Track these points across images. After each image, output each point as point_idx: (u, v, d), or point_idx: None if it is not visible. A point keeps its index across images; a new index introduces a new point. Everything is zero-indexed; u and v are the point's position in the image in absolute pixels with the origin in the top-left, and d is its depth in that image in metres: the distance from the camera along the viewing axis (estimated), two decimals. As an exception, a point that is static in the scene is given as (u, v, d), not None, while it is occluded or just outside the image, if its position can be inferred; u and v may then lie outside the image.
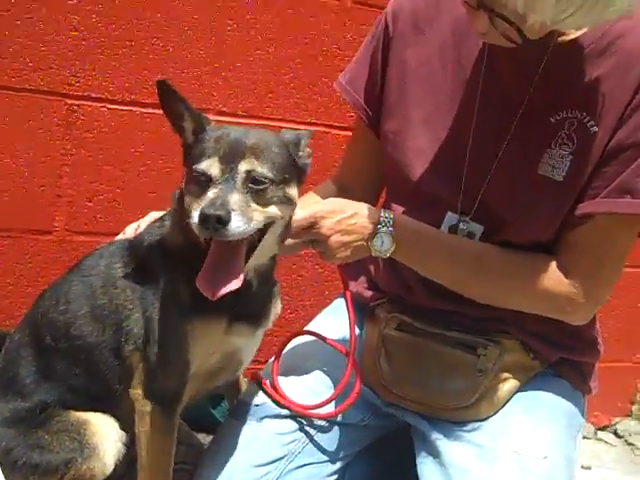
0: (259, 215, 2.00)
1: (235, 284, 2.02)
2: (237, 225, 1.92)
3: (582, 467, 2.49)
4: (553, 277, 2.29)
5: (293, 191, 2.12)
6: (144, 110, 3.32)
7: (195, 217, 1.93)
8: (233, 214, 1.91)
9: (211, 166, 2.00)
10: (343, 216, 2.21)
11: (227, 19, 3.41)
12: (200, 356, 2.21)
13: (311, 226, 2.20)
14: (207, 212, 1.90)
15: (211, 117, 3.29)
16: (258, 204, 2.01)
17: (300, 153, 2.20)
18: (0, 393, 2.35)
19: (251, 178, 2.01)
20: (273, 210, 2.05)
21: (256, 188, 2.01)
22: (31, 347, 2.35)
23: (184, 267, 2.17)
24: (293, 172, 2.14)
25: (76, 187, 3.30)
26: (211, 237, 2.00)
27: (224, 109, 3.44)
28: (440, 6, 2.44)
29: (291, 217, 2.17)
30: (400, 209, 2.47)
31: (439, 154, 2.40)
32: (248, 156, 2.02)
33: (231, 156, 2.01)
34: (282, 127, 3.17)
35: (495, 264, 2.33)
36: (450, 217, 2.39)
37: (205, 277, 2.03)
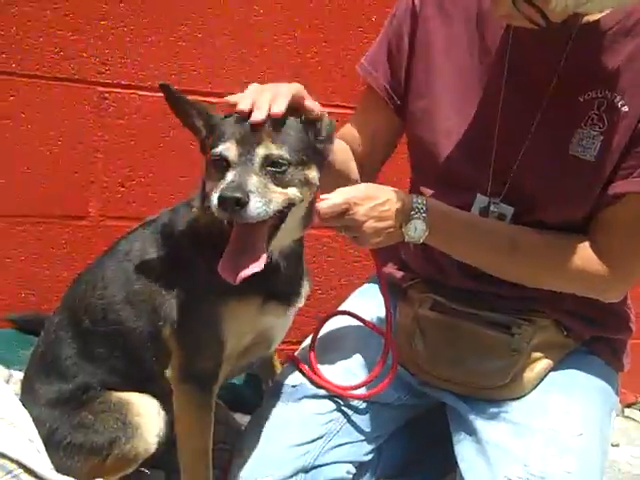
0: (279, 197, 2.00)
1: (256, 267, 2.02)
2: (256, 207, 1.92)
3: (611, 445, 2.53)
4: (587, 257, 2.31)
5: (313, 173, 2.11)
6: (174, 96, 3.34)
7: (214, 200, 1.93)
8: (252, 196, 1.91)
9: (228, 149, 2.00)
10: (377, 202, 2.21)
11: (254, 5, 3.43)
12: (235, 336, 2.24)
13: (344, 212, 2.20)
14: (225, 194, 1.90)
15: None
16: (277, 186, 2.00)
17: (320, 137, 2.18)
18: (43, 375, 2.40)
19: (269, 161, 2.00)
20: (293, 192, 2.04)
21: (274, 170, 2.00)
22: (71, 330, 2.39)
23: (214, 250, 2.17)
24: (312, 154, 2.12)
25: (109, 173, 3.35)
26: (231, 220, 2.02)
27: (252, 93, 3.47)
28: None
29: (313, 200, 2.19)
30: (429, 191, 2.48)
31: (468, 136, 2.41)
32: (265, 138, 2.01)
33: (248, 139, 2.01)
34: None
35: (529, 246, 2.35)
36: (480, 199, 2.41)
37: (226, 261, 2.04)
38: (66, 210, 3.33)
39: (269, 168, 2.00)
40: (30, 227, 3.29)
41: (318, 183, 2.15)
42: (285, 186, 2.02)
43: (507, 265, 2.37)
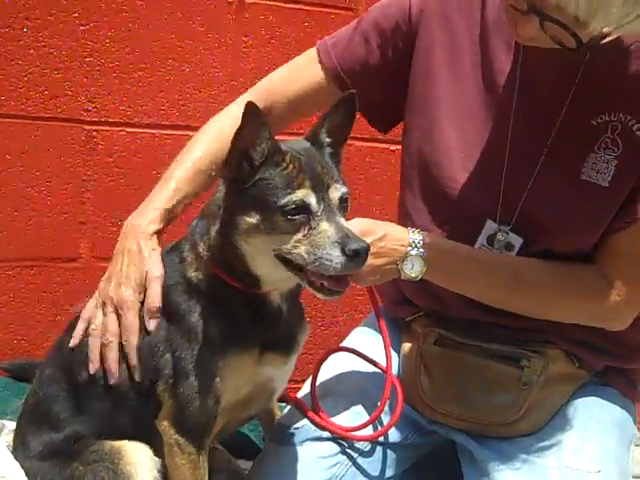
0: None
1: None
2: None
3: (633, 477, 2.45)
4: (595, 288, 2.26)
5: None
6: (164, 132, 3.31)
7: (337, 255, 1.90)
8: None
9: (308, 196, 1.96)
10: (374, 238, 2.15)
11: (242, 36, 3.41)
12: (231, 390, 2.18)
13: None
14: (359, 247, 1.90)
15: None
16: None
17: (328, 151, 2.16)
18: (34, 427, 2.33)
19: (342, 201, 2.02)
20: None
21: (344, 207, 2.04)
22: (62, 382, 2.31)
23: (211, 303, 2.15)
24: None
25: (99, 213, 3.30)
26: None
27: (244, 126, 3.42)
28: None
29: None
30: (433, 220, 2.40)
31: (474, 159, 2.34)
32: (329, 181, 2.01)
33: (318, 184, 1.98)
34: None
35: (534, 279, 2.29)
36: (490, 226, 2.32)
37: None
38: (56, 252, 3.27)
39: (341, 206, 2.03)
40: (20, 271, 3.23)
41: None
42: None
43: (510, 298, 2.30)
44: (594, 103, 2.21)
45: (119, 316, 2.21)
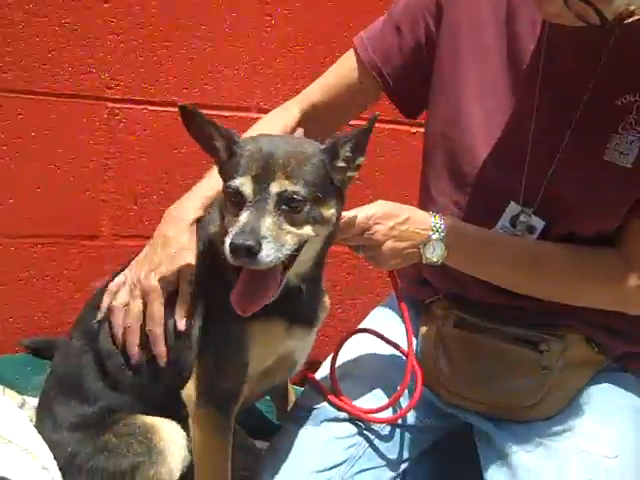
0: (292, 238, 1.94)
1: (266, 302, 2.01)
2: (268, 254, 1.87)
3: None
4: (616, 271, 2.24)
5: (330, 210, 2.04)
6: (186, 110, 3.29)
7: (226, 246, 1.89)
8: (264, 242, 1.86)
9: (243, 185, 1.94)
10: (397, 221, 2.16)
11: (265, 15, 3.38)
12: (259, 358, 2.19)
13: (363, 231, 2.16)
14: (236, 242, 1.85)
15: (253, 115, 3.34)
16: (292, 225, 1.94)
17: (339, 165, 2.07)
18: (63, 399, 2.33)
19: (284, 198, 1.93)
20: (307, 230, 1.98)
21: (289, 209, 1.94)
22: (93, 355, 2.32)
23: (236, 273, 2.13)
24: (330, 188, 2.04)
25: (121, 191, 3.30)
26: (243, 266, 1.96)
27: (265, 106, 3.39)
28: None
29: (337, 227, 2.12)
30: (457, 199, 2.40)
31: (498, 139, 2.32)
32: (279, 175, 1.94)
33: (263, 175, 1.94)
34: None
35: (554, 263, 2.28)
36: (512, 207, 2.31)
37: (238, 297, 2.01)
38: (78, 230, 3.28)
39: (284, 206, 1.93)
40: (42, 248, 3.24)
41: (335, 219, 2.08)
42: (300, 224, 1.96)
43: (531, 283, 2.30)
44: (619, 83, 2.18)
45: (144, 302, 2.23)
